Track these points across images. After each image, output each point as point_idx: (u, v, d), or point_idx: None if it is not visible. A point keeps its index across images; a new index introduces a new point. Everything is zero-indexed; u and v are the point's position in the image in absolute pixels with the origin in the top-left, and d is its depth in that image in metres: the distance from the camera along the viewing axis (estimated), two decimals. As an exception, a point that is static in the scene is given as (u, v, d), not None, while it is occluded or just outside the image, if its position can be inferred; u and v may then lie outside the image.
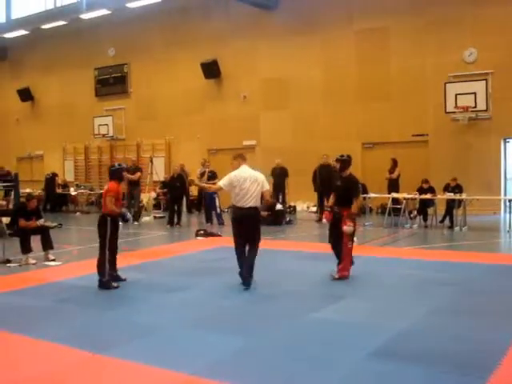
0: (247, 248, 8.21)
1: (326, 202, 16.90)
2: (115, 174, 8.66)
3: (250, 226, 8.14)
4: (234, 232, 8.31)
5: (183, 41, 22.71)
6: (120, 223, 8.61)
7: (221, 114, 22.15)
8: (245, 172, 8.18)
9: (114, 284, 8.28)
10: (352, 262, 8.68)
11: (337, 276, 8.48)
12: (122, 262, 9.38)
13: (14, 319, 6.71)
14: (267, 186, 8.31)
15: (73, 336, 5.95)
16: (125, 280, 8.51)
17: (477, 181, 16.75)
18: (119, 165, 9.02)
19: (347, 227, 8.36)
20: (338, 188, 8.74)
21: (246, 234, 8.15)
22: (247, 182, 8.04)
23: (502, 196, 17.08)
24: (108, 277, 8.26)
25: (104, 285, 8.22)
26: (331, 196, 8.98)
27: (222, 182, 8.34)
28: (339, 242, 8.53)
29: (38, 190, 22.73)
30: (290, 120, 20.72)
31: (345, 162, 8.71)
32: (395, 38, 18.70)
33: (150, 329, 6.17)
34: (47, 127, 27.39)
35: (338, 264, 8.59)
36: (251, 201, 8.04)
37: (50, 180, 22.62)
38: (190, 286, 8.26)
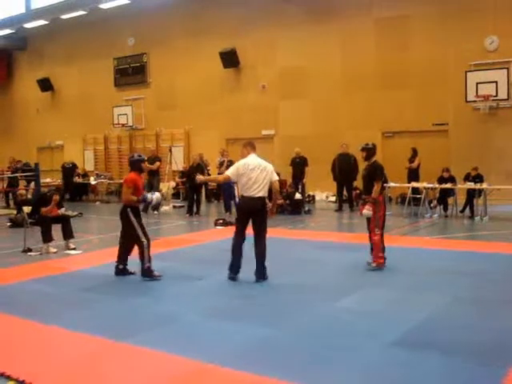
0: (253, 240, 8.01)
1: (345, 191, 17.07)
2: (134, 164, 8.61)
3: (257, 217, 7.94)
4: (237, 221, 8.17)
5: (202, 30, 22.66)
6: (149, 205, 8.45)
7: (240, 104, 22.12)
8: (253, 161, 7.99)
9: (156, 273, 8.18)
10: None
11: (374, 264, 8.51)
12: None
13: (36, 308, 6.79)
14: (276, 177, 8.16)
15: (94, 324, 6.01)
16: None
17: (498, 170, 16.58)
18: (139, 155, 8.89)
19: (366, 211, 8.45)
20: (363, 176, 8.80)
21: (252, 225, 7.99)
22: (255, 171, 7.86)
23: (524, 186, 16.88)
24: (148, 263, 8.18)
25: (146, 273, 8.17)
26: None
27: (229, 171, 8.24)
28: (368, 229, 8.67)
29: (58, 180, 22.90)
30: (309, 109, 20.63)
31: (370, 150, 8.77)
32: (415, 27, 18.50)
33: (170, 317, 6.21)
34: (67, 117, 27.53)
35: (371, 251, 8.65)
36: (260, 191, 7.84)
37: (69, 170, 22.66)
38: (210, 275, 8.30)
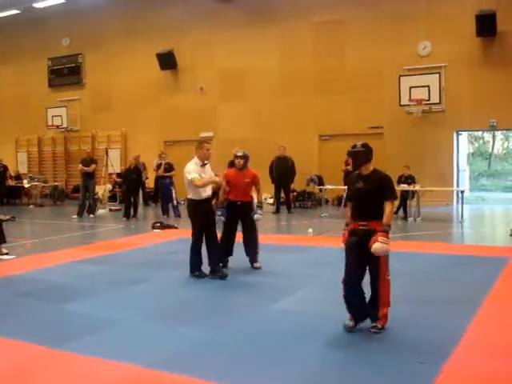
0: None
1: (282, 194, 17.21)
2: None
3: None
4: None
5: (139, 31, 22.43)
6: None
7: (178, 106, 22.00)
8: None
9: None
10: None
11: (379, 325, 5.58)
12: (79, 255, 9.25)
13: (-34, 314, 6.57)
14: (188, 177, 8.14)
15: (29, 330, 5.83)
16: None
17: (430, 172, 17.05)
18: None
19: (379, 244, 5.45)
20: (359, 191, 5.77)
21: None
22: None
23: (455, 187, 17.43)
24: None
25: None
26: (347, 207, 6.02)
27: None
28: (373, 275, 5.77)
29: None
30: (247, 111, 20.71)
31: (358, 154, 5.97)
32: (352, 31, 18.85)
33: (108, 322, 6.10)
34: (-1, 118, 26.78)
35: (374, 305, 5.71)
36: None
37: (1, 173, 21.84)
38: (148, 279, 8.20)
